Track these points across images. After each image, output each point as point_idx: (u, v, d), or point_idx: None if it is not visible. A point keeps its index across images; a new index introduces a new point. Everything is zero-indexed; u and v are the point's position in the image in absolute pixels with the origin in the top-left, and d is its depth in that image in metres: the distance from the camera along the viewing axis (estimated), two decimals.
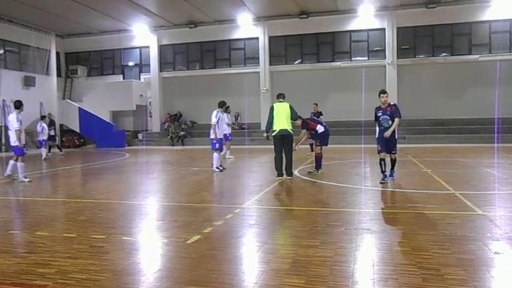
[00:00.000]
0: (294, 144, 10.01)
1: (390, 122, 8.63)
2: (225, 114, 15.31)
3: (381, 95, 8.83)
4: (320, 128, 10.28)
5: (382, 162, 8.65)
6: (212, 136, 11.29)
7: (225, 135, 15.02)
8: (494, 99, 21.62)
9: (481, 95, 22.39)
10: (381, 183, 8.46)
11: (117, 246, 4.56)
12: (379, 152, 8.80)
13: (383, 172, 8.67)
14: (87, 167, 14.53)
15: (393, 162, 9.03)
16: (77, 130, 25.76)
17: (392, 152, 8.89)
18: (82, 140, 26.58)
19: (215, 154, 11.36)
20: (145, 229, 5.57)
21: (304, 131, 10.31)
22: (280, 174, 9.54)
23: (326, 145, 10.55)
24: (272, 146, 9.74)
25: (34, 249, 4.49)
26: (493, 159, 13.55)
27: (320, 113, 14.68)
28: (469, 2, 22.04)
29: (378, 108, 8.90)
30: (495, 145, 18.66)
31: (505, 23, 22.42)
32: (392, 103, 8.79)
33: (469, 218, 5.57)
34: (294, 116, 9.62)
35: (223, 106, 11.77)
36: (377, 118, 8.90)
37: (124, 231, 5.28)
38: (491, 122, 20.93)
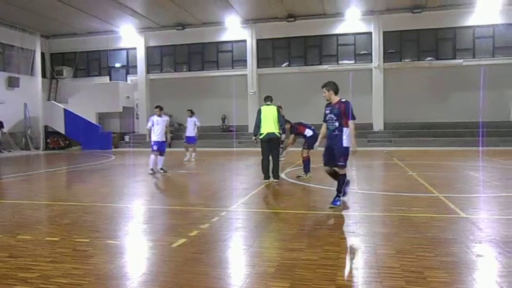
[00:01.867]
0: (281, 150, 10.00)
1: (336, 123, 6.46)
2: (192, 118, 15.45)
3: (323, 89, 6.69)
4: (308, 132, 10.30)
5: (341, 178, 6.59)
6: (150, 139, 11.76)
7: (191, 137, 15.36)
8: (478, 103, 22.00)
9: (465, 99, 22.78)
10: (330, 207, 6.48)
11: (101, 250, 4.51)
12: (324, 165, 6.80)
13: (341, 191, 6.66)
14: (72, 169, 14.34)
15: (338, 180, 6.59)
16: (62, 131, 25.44)
17: (339, 164, 6.50)
18: (67, 142, 26.25)
19: (151, 156, 11.61)
20: (130, 232, 5.51)
21: (292, 136, 10.31)
22: (267, 177, 9.55)
23: (313, 149, 10.56)
24: (259, 149, 9.75)
25: (16, 253, 4.42)
26: (477, 162, 13.77)
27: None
28: (454, 7, 22.42)
29: (327, 105, 6.72)
30: (479, 148, 18.96)
31: (489, 29, 22.86)
32: (343, 100, 6.53)
33: (453, 221, 5.64)
34: (281, 122, 9.62)
35: (157, 109, 11.98)
36: (325, 117, 6.74)
37: (108, 235, 5.23)
38: (475, 126, 21.30)
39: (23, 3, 20.90)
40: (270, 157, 9.59)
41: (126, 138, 26.55)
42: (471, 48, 23.17)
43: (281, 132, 9.70)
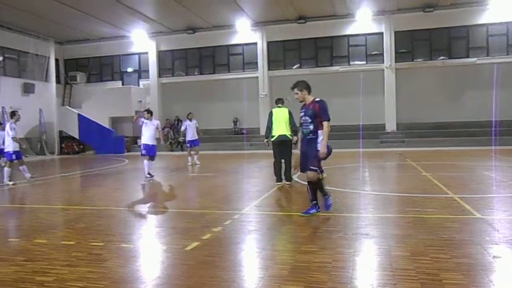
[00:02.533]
0: (293, 169, 9.87)
1: (311, 126, 5.93)
2: (192, 121, 15.40)
3: (294, 90, 6.25)
4: None
5: (310, 186, 6.10)
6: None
7: (195, 141, 15.28)
8: (492, 101, 21.69)
9: (479, 98, 22.46)
10: (301, 215, 6.04)
11: (115, 254, 4.56)
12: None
13: (316, 199, 6.15)
14: (86, 173, 14.52)
15: (312, 186, 6.11)
16: (77, 136, 25.76)
17: (310, 168, 5.96)
18: (81, 147, 26.57)
19: (144, 161, 11.39)
20: (144, 236, 5.56)
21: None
22: (279, 179, 9.55)
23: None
24: (271, 151, 9.75)
25: (32, 257, 4.49)
26: (492, 162, 13.57)
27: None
28: (466, 5, 22.14)
29: (302, 107, 6.27)
30: (493, 147, 18.69)
31: (502, 26, 22.51)
32: (318, 99, 6.09)
33: (468, 222, 5.57)
34: (293, 124, 9.55)
35: (144, 112, 11.92)
36: (300, 120, 6.28)
37: (123, 238, 5.27)
38: (489, 125, 20.99)
39: (37, 10, 21.26)
40: (282, 160, 9.58)
41: (139, 142, 26.72)
42: (485, 46, 22.84)
43: (293, 134, 9.65)
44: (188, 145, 15.45)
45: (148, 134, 11.45)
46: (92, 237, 5.29)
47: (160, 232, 5.58)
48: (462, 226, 5.32)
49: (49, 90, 25.91)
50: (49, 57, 25.93)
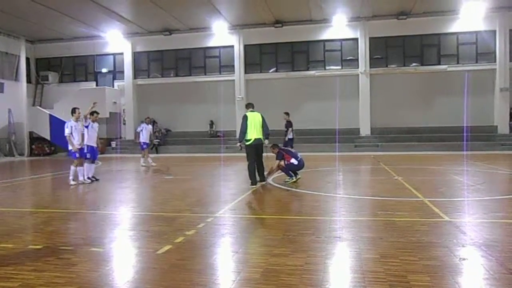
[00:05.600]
0: (266, 174, 9.87)
1: None
2: (149, 125, 16.45)
3: None
4: (294, 161, 10.22)
5: None
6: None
7: (147, 143, 16.19)
8: (463, 108, 22.35)
9: (450, 104, 23.11)
10: None
11: (85, 258, 4.46)
12: None
13: None
14: (57, 175, 14.15)
15: None
16: (48, 137, 25.11)
17: None
18: (53, 148, 25.91)
19: (85, 164, 11.04)
20: (115, 239, 5.45)
21: (277, 161, 10.26)
22: (254, 182, 9.56)
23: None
24: (245, 155, 9.75)
25: None
26: (462, 167, 13.95)
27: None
28: (438, 14, 22.76)
29: None
30: (464, 152, 19.24)
31: (472, 35, 23.26)
32: None
33: (437, 225, 5.70)
34: (266, 127, 9.61)
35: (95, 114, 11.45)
36: None
37: (93, 242, 5.16)
38: (460, 131, 21.60)
39: (7, 7, 20.65)
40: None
41: (113, 143, 26.31)
42: (455, 54, 23.55)
43: (265, 138, 9.72)
44: (145, 146, 16.05)
45: (94, 135, 11.20)
46: (61, 241, 5.16)
47: (132, 236, 5.49)
48: (431, 229, 5.45)
49: (19, 89, 25.20)
50: (19, 56, 25.26)
